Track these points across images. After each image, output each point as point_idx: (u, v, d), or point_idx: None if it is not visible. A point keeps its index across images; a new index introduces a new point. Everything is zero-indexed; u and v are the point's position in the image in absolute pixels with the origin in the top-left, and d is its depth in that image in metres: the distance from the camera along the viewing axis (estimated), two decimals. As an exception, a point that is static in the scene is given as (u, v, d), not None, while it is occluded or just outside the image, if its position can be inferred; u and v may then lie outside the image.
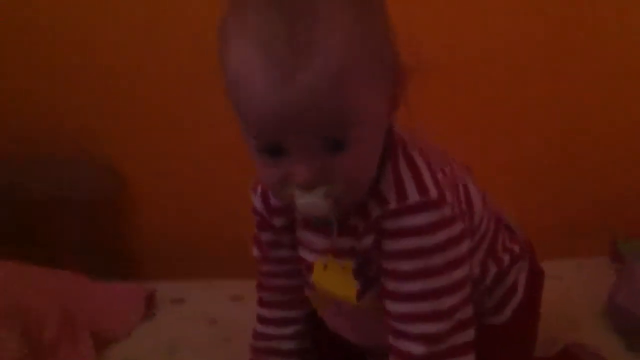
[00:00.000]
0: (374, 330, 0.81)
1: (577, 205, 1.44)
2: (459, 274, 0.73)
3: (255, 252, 0.91)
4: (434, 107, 1.29)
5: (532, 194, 1.43)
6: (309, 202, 0.67)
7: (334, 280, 0.79)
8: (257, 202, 0.87)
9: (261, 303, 0.92)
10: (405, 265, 0.72)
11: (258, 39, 0.62)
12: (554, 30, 1.35)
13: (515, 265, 0.88)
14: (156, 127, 1.42)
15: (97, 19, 1.36)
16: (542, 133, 1.40)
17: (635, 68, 1.37)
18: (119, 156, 1.43)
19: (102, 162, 1.41)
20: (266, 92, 0.62)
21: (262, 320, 0.91)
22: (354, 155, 0.66)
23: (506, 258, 0.86)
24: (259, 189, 0.86)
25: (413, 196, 0.71)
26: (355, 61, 0.63)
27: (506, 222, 0.93)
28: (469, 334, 0.74)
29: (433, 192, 0.72)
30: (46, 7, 1.36)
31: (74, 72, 1.39)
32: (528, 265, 0.91)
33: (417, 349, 0.72)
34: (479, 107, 1.38)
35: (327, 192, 0.66)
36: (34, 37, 1.38)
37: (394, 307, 0.74)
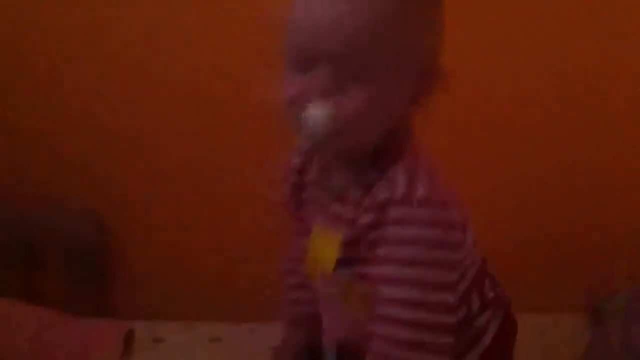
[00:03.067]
0: (357, 323, 0.82)
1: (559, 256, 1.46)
2: (452, 275, 0.75)
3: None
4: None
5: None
6: (315, 114, 0.72)
7: (320, 245, 0.83)
8: (295, 159, 0.91)
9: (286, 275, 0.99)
10: (405, 251, 0.73)
11: None
12: (558, 51, 1.38)
13: (486, 311, 0.89)
14: (137, 172, 1.43)
15: (76, 63, 1.37)
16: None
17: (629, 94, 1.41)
18: (100, 201, 1.43)
19: (83, 207, 1.42)
20: (305, 15, 0.73)
21: (292, 287, 0.99)
22: (359, 100, 0.72)
23: (477, 301, 0.87)
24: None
25: (423, 190, 0.74)
26: (388, 32, 0.72)
27: (486, 269, 0.95)
28: (448, 340, 0.74)
29: (442, 195, 0.75)
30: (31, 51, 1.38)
31: (60, 123, 1.40)
32: (502, 315, 0.92)
33: (402, 333, 0.73)
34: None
35: (330, 114, 0.71)
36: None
37: (386, 291, 0.74)
